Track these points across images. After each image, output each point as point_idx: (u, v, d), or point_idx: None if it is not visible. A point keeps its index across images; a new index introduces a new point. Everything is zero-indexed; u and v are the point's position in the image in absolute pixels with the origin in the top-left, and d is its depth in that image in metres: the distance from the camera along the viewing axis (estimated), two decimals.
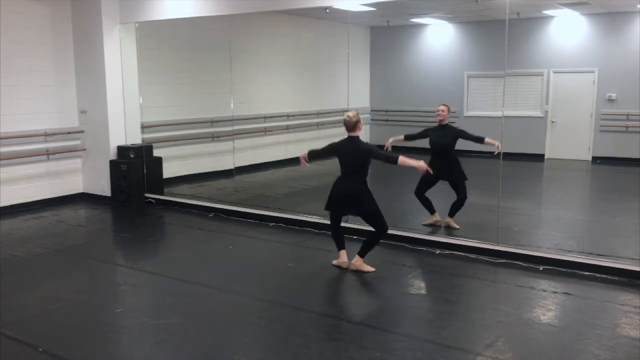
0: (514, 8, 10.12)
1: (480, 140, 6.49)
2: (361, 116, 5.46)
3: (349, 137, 5.39)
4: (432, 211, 6.88)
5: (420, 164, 5.21)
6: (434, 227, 6.84)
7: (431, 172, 5.33)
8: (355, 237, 6.26)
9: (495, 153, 6.36)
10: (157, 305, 4.86)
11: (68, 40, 8.59)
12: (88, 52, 8.51)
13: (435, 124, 6.72)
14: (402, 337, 4.15)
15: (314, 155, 5.63)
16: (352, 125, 5.34)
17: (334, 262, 5.64)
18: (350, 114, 5.34)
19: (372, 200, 5.39)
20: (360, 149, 5.33)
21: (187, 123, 9.62)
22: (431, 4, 10.55)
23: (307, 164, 5.66)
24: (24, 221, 7.57)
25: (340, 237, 5.64)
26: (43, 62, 8.32)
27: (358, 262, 5.49)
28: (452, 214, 6.78)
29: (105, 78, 8.38)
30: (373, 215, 5.42)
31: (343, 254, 5.59)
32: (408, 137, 6.81)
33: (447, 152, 6.60)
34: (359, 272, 5.44)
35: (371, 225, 5.50)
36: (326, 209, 5.55)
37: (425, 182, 6.72)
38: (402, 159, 5.17)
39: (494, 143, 6.41)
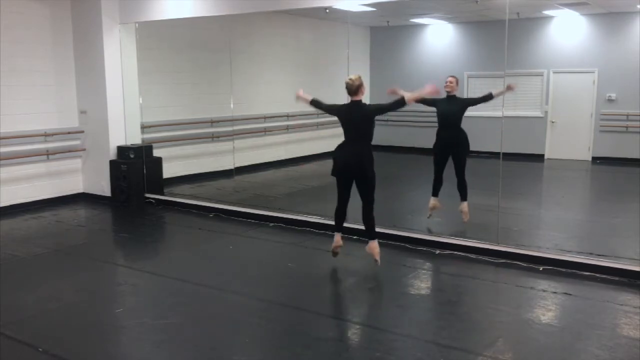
0: (514, 8, 10.12)
1: (488, 97, 6.45)
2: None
3: (352, 101, 5.33)
4: (434, 193, 6.89)
5: (427, 88, 5.28)
6: (434, 213, 6.89)
7: (435, 90, 5.33)
8: (355, 237, 6.26)
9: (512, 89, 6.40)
10: (157, 305, 4.85)
11: (68, 40, 8.59)
12: (88, 52, 8.50)
13: (444, 96, 6.64)
14: (402, 337, 4.14)
15: (314, 103, 5.56)
16: (354, 89, 5.27)
17: (333, 247, 5.61)
18: (353, 76, 5.27)
19: (373, 169, 5.36)
20: (367, 112, 5.28)
21: (187, 123, 9.62)
22: (431, 4, 10.55)
23: (301, 97, 5.57)
24: (24, 221, 7.57)
25: (342, 218, 5.58)
26: (43, 62, 8.31)
27: (376, 247, 5.44)
28: (463, 197, 6.78)
29: (105, 78, 8.37)
30: (371, 183, 5.37)
31: (338, 236, 5.57)
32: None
33: (454, 123, 6.59)
34: (359, 273, 5.44)
35: (364, 194, 5.40)
36: (332, 174, 5.47)
37: (440, 161, 6.76)
38: (409, 96, 5.22)
39: (502, 91, 6.41)
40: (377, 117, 5.38)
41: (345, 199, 5.52)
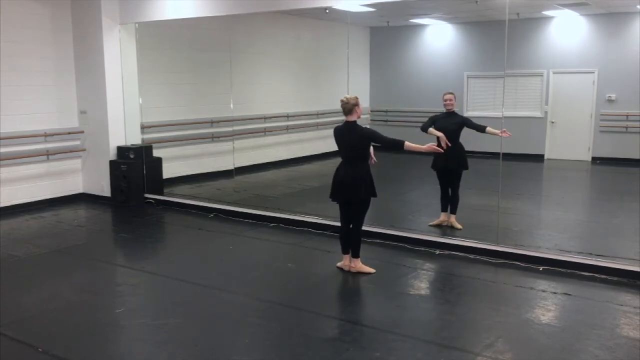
0: (514, 8, 10.12)
1: (481, 129, 6.51)
2: (362, 117, 5.38)
3: (346, 122, 5.26)
4: (443, 209, 6.87)
5: (428, 146, 5.23)
6: (441, 228, 6.80)
7: (442, 149, 5.35)
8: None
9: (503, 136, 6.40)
10: (157, 305, 4.86)
11: (68, 40, 8.59)
12: (88, 52, 8.51)
13: (442, 112, 6.66)
14: (402, 337, 4.14)
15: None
16: (348, 109, 5.19)
17: (338, 264, 5.61)
18: (349, 96, 5.20)
19: (373, 189, 5.33)
20: (360, 135, 5.20)
21: (187, 123, 9.63)
22: (431, 4, 10.55)
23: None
24: (24, 221, 7.57)
25: (347, 241, 5.49)
26: (43, 62, 8.32)
27: (358, 265, 5.46)
28: (453, 211, 6.78)
29: (105, 78, 8.38)
30: (363, 206, 5.34)
31: (346, 259, 5.52)
32: (423, 129, 6.67)
33: (453, 139, 6.57)
34: (359, 274, 5.44)
35: (353, 215, 5.37)
36: (331, 198, 5.43)
37: (442, 176, 6.75)
38: (408, 144, 5.12)
39: (496, 132, 6.41)
40: (376, 119, 5.35)
41: (346, 220, 5.47)
